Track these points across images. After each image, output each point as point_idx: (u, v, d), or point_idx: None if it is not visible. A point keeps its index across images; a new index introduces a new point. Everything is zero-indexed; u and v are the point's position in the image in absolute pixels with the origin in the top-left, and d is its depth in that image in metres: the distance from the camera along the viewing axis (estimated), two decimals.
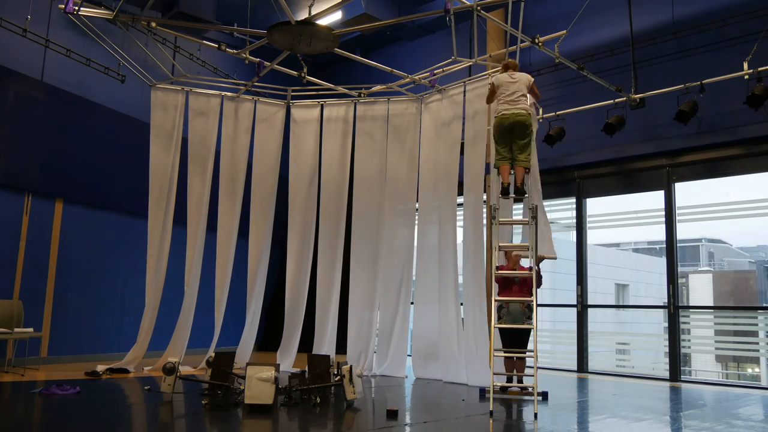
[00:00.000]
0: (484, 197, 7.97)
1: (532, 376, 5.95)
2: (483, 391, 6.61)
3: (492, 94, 6.89)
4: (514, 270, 6.87)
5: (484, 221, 7.92)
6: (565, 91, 9.41)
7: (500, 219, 6.74)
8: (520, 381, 6.86)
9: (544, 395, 6.52)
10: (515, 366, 6.86)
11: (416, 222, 8.83)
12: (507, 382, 6.83)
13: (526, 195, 6.78)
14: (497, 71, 7.87)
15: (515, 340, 6.78)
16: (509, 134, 6.64)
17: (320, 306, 9.05)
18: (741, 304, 10.44)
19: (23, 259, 8.30)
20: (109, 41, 7.98)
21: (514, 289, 6.83)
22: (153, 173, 8.61)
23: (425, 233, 8.61)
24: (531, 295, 6.55)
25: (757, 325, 8.78)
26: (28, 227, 8.38)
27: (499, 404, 6.23)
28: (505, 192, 6.71)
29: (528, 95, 6.71)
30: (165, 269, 8.44)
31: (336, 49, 7.60)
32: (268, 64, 8.29)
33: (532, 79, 6.79)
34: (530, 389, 6.25)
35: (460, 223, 8.31)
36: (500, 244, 6.61)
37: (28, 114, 8.38)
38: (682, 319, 8.57)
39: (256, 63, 8.29)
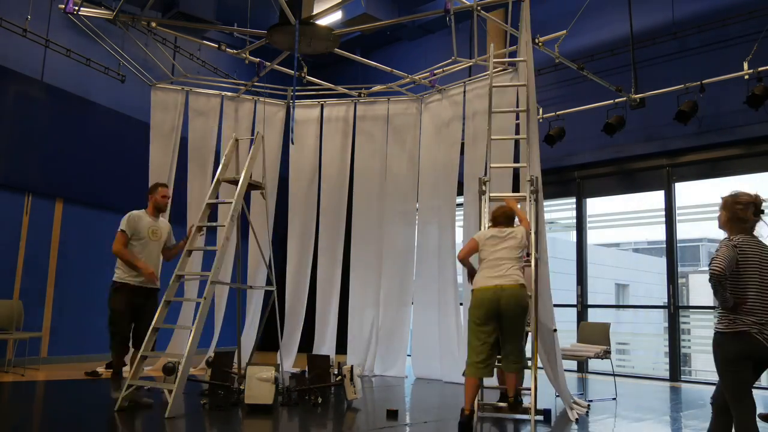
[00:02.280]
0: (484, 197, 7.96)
1: (528, 390, 5.04)
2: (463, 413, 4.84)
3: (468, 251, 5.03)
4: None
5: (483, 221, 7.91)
6: (565, 91, 9.42)
7: (492, 194, 5.69)
8: (516, 398, 5.12)
9: (546, 414, 5.26)
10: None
11: (416, 222, 8.83)
12: (500, 400, 5.32)
13: (523, 406, 5.05)
14: (498, 71, 7.86)
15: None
16: (494, 318, 4.65)
17: (320, 306, 9.05)
18: None
19: (23, 259, 8.30)
20: (109, 41, 7.98)
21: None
22: (153, 173, 8.61)
23: (425, 233, 8.61)
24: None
25: None
26: (28, 227, 8.38)
27: (491, 424, 5.31)
28: (464, 427, 4.42)
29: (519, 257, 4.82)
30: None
31: (336, 49, 7.60)
32: (268, 64, 8.29)
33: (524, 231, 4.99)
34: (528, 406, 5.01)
35: (459, 223, 8.31)
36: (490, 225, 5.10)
37: (28, 114, 8.38)
38: (682, 319, 8.57)
39: (256, 63, 8.30)
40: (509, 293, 4.58)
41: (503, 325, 4.65)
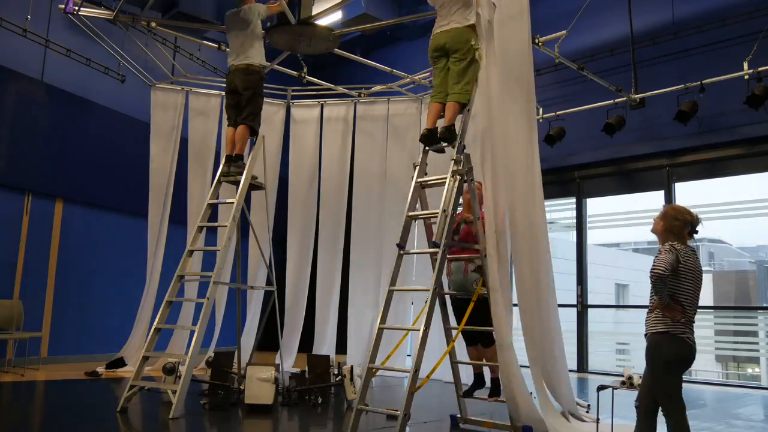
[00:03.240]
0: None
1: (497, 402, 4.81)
2: (454, 420, 5.22)
3: None
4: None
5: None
6: (565, 91, 9.41)
7: (423, 179, 4.98)
8: (495, 386, 5.06)
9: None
10: (482, 356, 5.09)
11: (416, 222, 8.81)
12: (475, 385, 5.18)
13: (458, 141, 4.76)
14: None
15: (461, 318, 4.87)
16: (442, 59, 5.00)
17: (320, 306, 9.05)
18: (741, 304, 10.43)
19: (23, 259, 8.30)
20: (109, 41, 7.98)
21: (453, 248, 4.95)
22: (153, 173, 8.63)
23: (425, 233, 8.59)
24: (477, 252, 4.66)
25: (757, 325, 8.78)
26: (28, 227, 8.38)
27: None
28: (425, 139, 4.91)
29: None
30: (160, 267, 8.47)
31: (336, 49, 7.60)
32: (268, 64, 8.28)
33: None
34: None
35: None
36: (410, 213, 4.96)
37: (28, 114, 8.38)
38: None
39: None
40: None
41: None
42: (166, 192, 8.64)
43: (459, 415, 5.24)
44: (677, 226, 3.52)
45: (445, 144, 5.01)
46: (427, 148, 5.05)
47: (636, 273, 14.50)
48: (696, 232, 3.58)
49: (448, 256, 4.89)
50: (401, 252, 4.79)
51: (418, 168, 5.00)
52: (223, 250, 6.06)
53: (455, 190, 4.68)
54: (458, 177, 4.69)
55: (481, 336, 5.02)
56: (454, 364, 5.00)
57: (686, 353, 3.40)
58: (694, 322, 3.45)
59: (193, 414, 5.41)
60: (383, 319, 4.68)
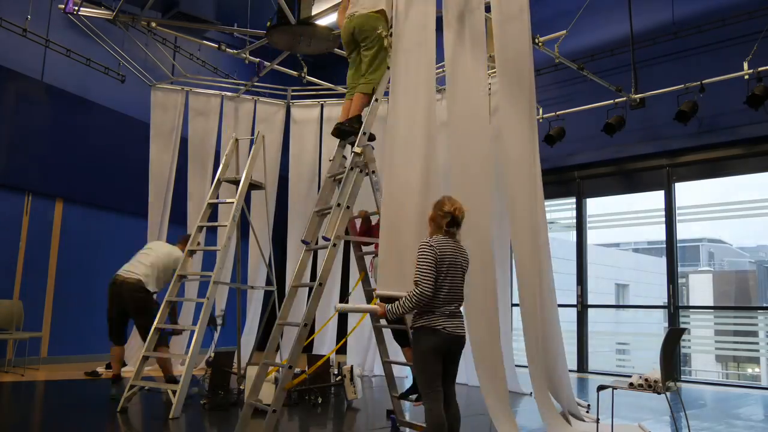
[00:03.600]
0: None
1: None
2: (394, 421, 5.07)
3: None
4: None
5: None
6: (565, 91, 9.41)
7: (334, 172, 4.91)
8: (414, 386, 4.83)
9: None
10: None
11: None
12: (411, 389, 5.07)
13: (361, 132, 4.63)
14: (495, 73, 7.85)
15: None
16: (353, 48, 4.82)
17: (320, 306, 9.03)
18: (741, 304, 10.43)
19: (23, 259, 8.30)
20: (109, 41, 7.98)
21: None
22: (153, 173, 8.63)
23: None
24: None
25: (757, 325, 8.78)
26: (28, 227, 8.38)
27: None
28: (337, 132, 4.81)
29: None
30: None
31: (336, 49, 7.60)
32: (268, 64, 8.30)
33: None
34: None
35: None
36: (317, 209, 4.84)
37: (28, 114, 8.38)
38: (682, 319, 8.57)
39: (256, 63, 8.30)
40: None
41: None
42: (166, 192, 8.65)
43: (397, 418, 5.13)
44: (439, 215, 3.55)
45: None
46: (342, 141, 4.98)
47: (636, 273, 14.51)
48: (457, 224, 3.52)
49: (375, 250, 4.89)
50: (306, 248, 4.73)
51: (331, 162, 4.96)
52: (223, 250, 6.06)
53: (353, 182, 4.57)
54: (357, 169, 4.59)
55: (398, 336, 5.13)
56: (386, 363, 4.94)
57: (439, 343, 3.41)
58: (450, 308, 3.46)
59: (193, 414, 5.41)
60: (283, 316, 4.71)
